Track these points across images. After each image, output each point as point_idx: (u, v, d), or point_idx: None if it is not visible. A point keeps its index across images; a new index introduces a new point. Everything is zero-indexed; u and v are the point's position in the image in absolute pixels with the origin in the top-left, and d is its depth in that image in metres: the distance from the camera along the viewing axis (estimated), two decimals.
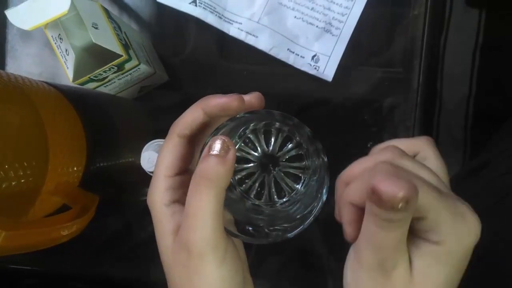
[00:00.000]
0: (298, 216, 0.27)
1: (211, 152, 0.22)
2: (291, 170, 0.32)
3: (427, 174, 0.22)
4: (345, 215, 0.24)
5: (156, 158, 0.27)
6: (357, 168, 0.25)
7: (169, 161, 0.26)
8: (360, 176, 0.23)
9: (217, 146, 0.22)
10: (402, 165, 0.22)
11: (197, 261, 0.22)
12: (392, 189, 0.17)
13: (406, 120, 0.45)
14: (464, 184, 0.41)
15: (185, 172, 0.27)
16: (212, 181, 0.22)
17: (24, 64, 0.50)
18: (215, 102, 0.25)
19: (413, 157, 0.25)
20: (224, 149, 0.22)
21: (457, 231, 0.21)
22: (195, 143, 0.27)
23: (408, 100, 0.45)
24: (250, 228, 0.26)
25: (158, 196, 0.25)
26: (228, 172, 0.22)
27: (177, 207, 0.25)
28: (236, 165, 0.32)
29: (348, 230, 0.24)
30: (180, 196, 0.26)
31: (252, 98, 0.26)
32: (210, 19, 0.46)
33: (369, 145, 0.46)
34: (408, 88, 0.45)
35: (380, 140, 0.47)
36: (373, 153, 0.25)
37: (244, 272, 0.25)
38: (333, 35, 0.45)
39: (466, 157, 0.64)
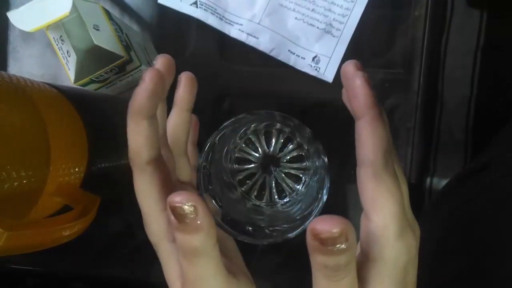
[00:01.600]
0: (298, 217, 0.27)
1: (179, 227, 0.19)
2: (292, 171, 0.32)
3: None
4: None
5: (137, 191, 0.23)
6: None
7: (156, 195, 0.22)
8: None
9: (185, 213, 0.19)
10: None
11: None
12: (329, 225, 0.17)
13: (407, 121, 0.45)
14: (464, 186, 0.41)
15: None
16: (197, 252, 0.20)
17: (26, 65, 0.50)
18: (143, 98, 0.20)
19: None
20: (191, 215, 0.19)
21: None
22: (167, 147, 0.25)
23: (408, 101, 0.45)
24: (250, 228, 0.26)
25: (162, 233, 0.23)
26: (209, 235, 0.20)
27: None
28: (237, 165, 0.32)
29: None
30: None
31: (162, 60, 0.22)
32: (211, 20, 0.46)
33: None
34: (408, 89, 0.45)
35: None
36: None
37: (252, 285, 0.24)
38: (333, 36, 0.45)
39: (467, 158, 0.64)
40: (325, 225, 0.17)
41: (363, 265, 0.21)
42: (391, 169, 0.21)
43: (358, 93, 0.21)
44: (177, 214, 0.19)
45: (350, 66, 0.22)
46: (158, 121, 0.22)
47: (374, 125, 0.20)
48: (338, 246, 0.17)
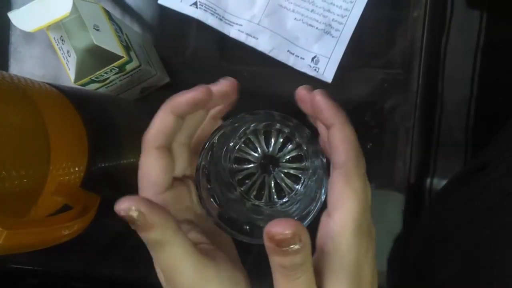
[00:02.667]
0: (296, 217, 0.27)
1: (135, 228, 0.21)
2: (291, 171, 0.32)
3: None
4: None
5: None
6: None
7: (155, 178, 0.24)
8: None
9: (133, 216, 0.20)
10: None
11: None
12: (282, 227, 0.18)
13: (406, 121, 0.45)
14: (462, 186, 0.41)
15: (173, 183, 0.26)
16: (160, 243, 0.21)
17: (27, 65, 0.50)
18: (183, 101, 0.23)
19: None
20: (138, 217, 0.20)
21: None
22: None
23: (407, 101, 0.45)
24: (248, 227, 0.26)
25: None
26: (164, 226, 0.21)
27: None
28: (236, 165, 0.32)
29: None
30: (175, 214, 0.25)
31: (223, 87, 0.25)
32: (210, 21, 0.46)
33: (368, 146, 0.46)
34: (407, 90, 0.45)
35: (380, 141, 0.47)
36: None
37: (242, 278, 0.25)
38: (333, 36, 0.45)
39: (467, 158, 0.64)
40: (279, 228, 0.18)
41: (318, 260, 0.23)
42: (361, 171, 0.22)
43: (321, 107, 0.23)
44: (128, 219, 0.20)
45: (302, 90, 0.25)
46: (189, 124, 0.25)
47: (344, 130, 0.23)
48: (292, 246, 0.19)
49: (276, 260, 0.20)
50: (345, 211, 0.22)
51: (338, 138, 0.23)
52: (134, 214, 0.20)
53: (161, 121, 0.24)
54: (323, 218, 0.23)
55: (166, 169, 0.24)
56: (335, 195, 0.22)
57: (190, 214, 0.27)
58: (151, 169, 0.24)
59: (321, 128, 0.26)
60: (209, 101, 0.24)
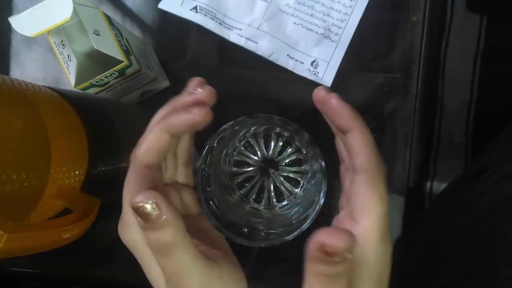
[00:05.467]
0: (295, 220, 0.27)
1: (146, 226, 0.20)
2: (290, 174, 0.32)
3: None
4: None
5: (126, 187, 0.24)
6: None
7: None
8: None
9: (148, 212, 0.19)
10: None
11: None
12: (336, 240, 0.18)
13: (405, 125, 0.45)
14: (460, 191, 0.41)
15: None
16: (169, 246, 0.20)
17: (28, 69, 0.50)
18: (182, 122, 0.22)
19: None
20: (155, 212, 0.19)
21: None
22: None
23: (407, 105, 0.45)
24: (246, 230, 0.26)
25: (137, 236, 0.23)
26: (176, 227, 0.20)
27: None
28: (236, 168, 0.32)
29: None
30: None
31: (207, 98, 0.23)
32: (210, 25, 0.46)
33: None
34: (407, 94, 0.45)
35: (380, 145, 0.47)
36: None
37: (239, 273, 0.25)
38: (332, 41, 0.45)
39: (467, 161, 0.64)
40: (334, 239, 0.18)
41: None
42: (384, 177, 0.22)
43: (339, 111, 0.23)
44: (141, 213, 0.19)
45: (321, 91, 0.23)
46: (182, 140, 0.24)
47: (365, 134, 0.22)
48: (341, 258, 0.18)
49: (318, 268, 0.19)
50: (373, 218, 0.21)
51: (359, 142, 0.22)
52: (151, 206, 0.19)
53: (155, 139, 0.23)
54: (347, 222, 0.22)
55: (153, 187, 0.23)
56: (361, 200, 0.22)
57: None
58: (138, 188, 0.23)
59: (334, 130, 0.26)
60: (208, 121, 0.23)
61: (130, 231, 0.23)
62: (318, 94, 0.24)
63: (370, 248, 0.21)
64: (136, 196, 0.19)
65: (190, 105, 0.23)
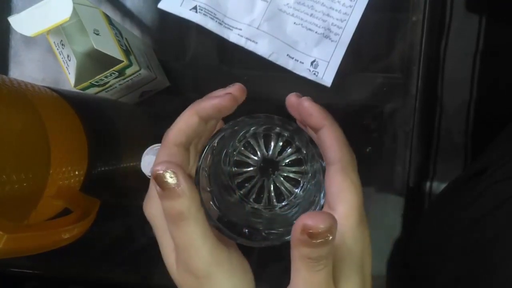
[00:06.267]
0: (295, 220, 0.27)
1: (163, 194, 0.21)
2: (291, 175, 0.32)
3: None
4: None
5: None
6: None
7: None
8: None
9: (167, 180, 0.21)
10: None
11: (206, 281, 0.23)
12: (318, 221, 0.19)
13: (405, 125, 0.45)
14: (460, 191, 0.41)
15: None
16: (183, 216, 0.22)
17: (27, 69, 0.50)
18: (210, 105, 0.24)
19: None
20: (172, 181, 0.21)
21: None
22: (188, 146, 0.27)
23: (406, 105, 0.45)
24: (247, 231, 0.26)
25: (157, 210, 0.24)
26: (191, 199, 0.22)
27: None
28: (236, 168, 0.32)
29: None
30: None
31: (236, 92, 0.26)
32: (210, 25, 0.46)
33: (367, 150, 0.46)
34: (407, 94, 0.45)
35: (380, 145, 0.47)
36: None
37: (248, 266, 0.26)
38: (332, 40, 0.45)
39: (467, 161, 0.64)
40: (315, 221, 0.19)
41: None
42: (355, 166, 0.24)
43: (311, 111, 0.25)
44: (160, 181, 0.21)
45: (293, 97, 0.26)
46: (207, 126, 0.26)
47: (335, 130, 0.24)
48: (323, 239, 0.19)
49: (303, 252, 0.20)
50: (348, 203, 0.23)
51: (331, 137, 0.24)
52: (170, 175, 0.21)
53: (185, 121, 0.25)
54: (325, 211, 0.24)
55: (181, 165, 0.25)
56: (335, 189, 0.23)
57: None
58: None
59: (309, 131, 0.27)
60: (233, 108, 0.25)
61: (152, 204, 0.25)
62: (291, 100, 0.26)
63: (349, 232, 0.23)
64: (157, 165, 0.21)
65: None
